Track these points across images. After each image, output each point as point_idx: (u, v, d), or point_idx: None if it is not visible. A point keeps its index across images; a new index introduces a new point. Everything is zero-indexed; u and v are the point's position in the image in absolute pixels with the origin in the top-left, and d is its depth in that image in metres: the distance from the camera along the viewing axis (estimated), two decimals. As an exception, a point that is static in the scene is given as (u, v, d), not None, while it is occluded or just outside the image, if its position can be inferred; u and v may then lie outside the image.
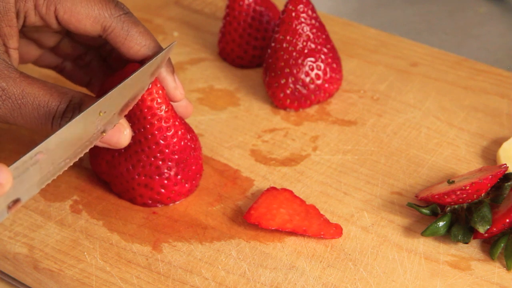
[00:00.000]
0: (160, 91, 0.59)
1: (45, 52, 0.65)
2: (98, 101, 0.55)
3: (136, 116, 0.60)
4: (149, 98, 0.59)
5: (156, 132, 0.60)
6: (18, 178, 0.50)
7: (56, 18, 0.59)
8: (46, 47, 0.65)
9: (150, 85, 0.59)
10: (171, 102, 0.61)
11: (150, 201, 0.63)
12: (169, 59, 0.62)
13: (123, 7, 0.61)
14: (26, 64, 0.66)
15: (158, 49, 0.61)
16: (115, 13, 0.60)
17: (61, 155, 0.54)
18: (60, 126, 0.56)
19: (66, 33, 0.65)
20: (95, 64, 0.66)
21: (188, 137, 0.62)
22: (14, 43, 0.58)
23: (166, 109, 0.60)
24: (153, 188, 0.62)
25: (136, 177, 0.61)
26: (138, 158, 0.61)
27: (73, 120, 0.54)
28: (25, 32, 0.62)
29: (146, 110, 0.59)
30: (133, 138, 0.60)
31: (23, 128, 0.70)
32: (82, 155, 0.56)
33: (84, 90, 0.68)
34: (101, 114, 0.56)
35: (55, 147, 0.53)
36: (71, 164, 0.55)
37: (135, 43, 0.60)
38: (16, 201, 0.51)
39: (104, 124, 0.57)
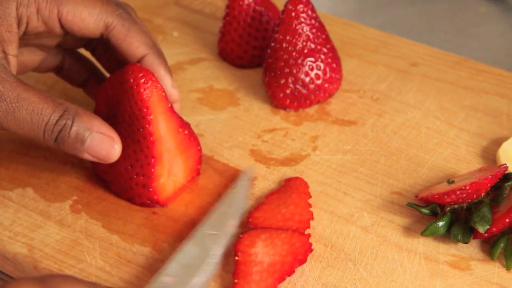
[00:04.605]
0: (162, 93, 0.60)
1: (48, 53, 0.66)
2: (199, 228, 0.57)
3: (135, 115, 0.60)
4: (148, 97, 0.59)
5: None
6: None
7: (59, 20, 0.59)
8: (48, 48, 0.65)
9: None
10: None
11: (149, 201, 0.63)
12: (164, 58, 0.62)
13: (123, 6, 0.62)
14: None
15: (156, 48, 0.62)
16: (116, 11, 0.61)
17: (188, 276, 0.55)
18: (52, 134, 0.57)
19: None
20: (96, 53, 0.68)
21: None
22: (13, 49, 0.59)
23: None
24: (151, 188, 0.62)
25: (135, 176, 0.61)
26: (136, 158, 0.61)
27: (188, 245, 0.56)
28: (26, 40, 0.62)
29: (145, 110, 0.59)
30: (131, 137, 0.60)
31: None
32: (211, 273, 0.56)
33: (81, 91, 0.70)
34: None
35: (179, 269, 0.54)
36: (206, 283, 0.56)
37: (136, 39, 0.61)
38: None
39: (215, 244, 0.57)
